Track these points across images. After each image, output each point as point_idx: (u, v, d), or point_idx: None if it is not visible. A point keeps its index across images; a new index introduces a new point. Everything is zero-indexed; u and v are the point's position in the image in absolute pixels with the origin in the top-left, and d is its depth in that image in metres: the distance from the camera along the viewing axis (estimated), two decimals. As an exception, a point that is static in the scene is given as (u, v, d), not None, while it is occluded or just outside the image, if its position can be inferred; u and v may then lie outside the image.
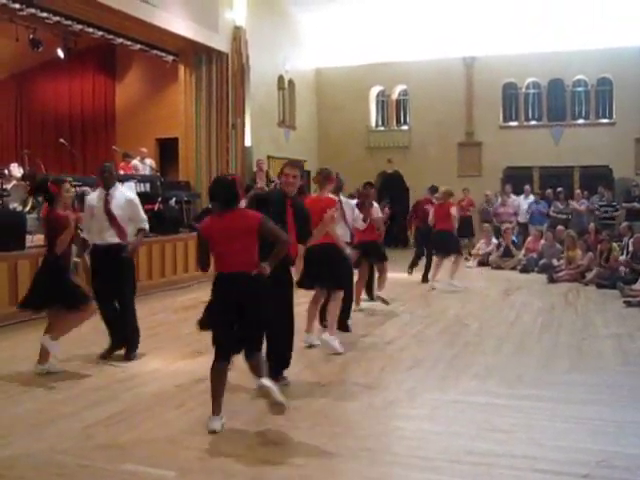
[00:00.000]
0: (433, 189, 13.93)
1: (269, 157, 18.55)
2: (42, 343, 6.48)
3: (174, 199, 14.23)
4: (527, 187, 18.97)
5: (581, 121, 20.51)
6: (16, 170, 14.37)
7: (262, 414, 5.14)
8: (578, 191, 18.06)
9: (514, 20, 19.29)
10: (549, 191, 18.43)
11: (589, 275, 12.99)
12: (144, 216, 7.39)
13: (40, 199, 12.46)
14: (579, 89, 20.55)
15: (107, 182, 7.17)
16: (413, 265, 13.61)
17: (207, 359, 5.76)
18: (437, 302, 10.99)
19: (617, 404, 5.58)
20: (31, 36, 16.73)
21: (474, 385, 6.14)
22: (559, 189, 18.14)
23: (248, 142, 17.47)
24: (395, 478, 4.19)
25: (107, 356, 7.03)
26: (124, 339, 7.13)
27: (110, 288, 7.03)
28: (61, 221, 6.48)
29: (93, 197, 7.31)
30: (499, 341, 8.05)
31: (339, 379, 6.44)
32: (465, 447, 4.59)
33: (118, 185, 7.36)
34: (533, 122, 21.06)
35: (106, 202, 7.08)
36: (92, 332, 7.35)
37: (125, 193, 7.44)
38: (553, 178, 20.02)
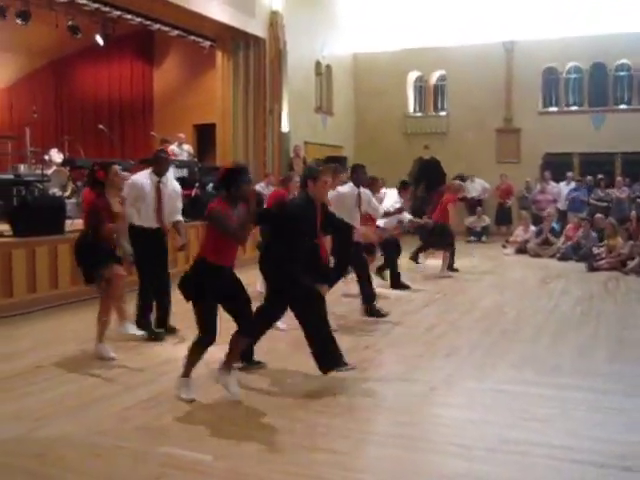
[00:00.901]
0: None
1: (306, 143, 18.51)
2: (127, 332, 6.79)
3: (211, 184, 14.29)
4: (569, 173, 18.67)
5: (623, 106, 20.10)
6: (56, 156, 14.54)
7: (297, 400, 5.17)
8: (619, 178, 17.73)
9: (555, 3, 18.99)
10: (589, 178, 18.15)
11: (630, 264, 12.77)
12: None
13: (79, 184, 12.67)
14: (622, 73, 20.12)
15: (162, 169, 7.31)
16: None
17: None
18: (474, 290, 10.90)
19: (658, 395, 5.50)
20: (70, 23, 16.89)
21: (511, 374, 6.09)
22: (600, 176, 17.85)
23: (285, 128, 17.46)
24: (431, 465, 4.17)
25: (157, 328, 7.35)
26: (167, 311, 7.44)
27: (157, 267, 7.32)
28: (104, 210, 6.48)
29: (145, 182, 7.27)
30: (537, 330, 7.96)
31: (375, 366, 6.43)
32: (501, 436, 4.56)
33: (169, 174, 7.51)
34: (573, 107, 20.69)
35: (158, 189, 7.21)
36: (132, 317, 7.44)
37: (175, 183, 7.62)
38: (593, 165, 19.66)
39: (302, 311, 5.82)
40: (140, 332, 7.06)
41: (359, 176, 8.77)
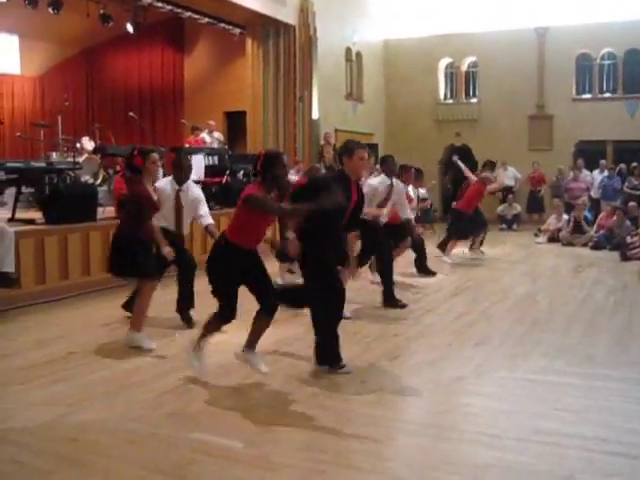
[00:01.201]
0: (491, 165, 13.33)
1: (336, 130, 18.46)
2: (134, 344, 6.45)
3: (242, 172, 14.32)
4: (603, 161, 18.45)
5: (658, 93, 19.77)
6: (87, 143, 14.69)
7: (326, 388, 5.17)
8: (654, 166, 17.43)
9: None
10: (623, 166, 17.88)
11: (665, 253, 12.59)
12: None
13: (111, 172, 12.77)
14: (657, 60, 19.79)
15: (181, 177, 7.32)
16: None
17: (274, 330, 5.83)
18: (505, 278, 10.80)
19: (694, 386, 5.41)
20: (101, 11, 17.04)
21: (543, 364, 6.02)
22: (634, 164, 17.58)
23: (315, 115, 17.43)
24: (462, 455, 4.15)
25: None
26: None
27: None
28: (143, 198, 6.32)
29: (166, 187, 7.25)
30: (569, 319, 7.88)
31: (404, 354, 6.41)
32: (533, 426, 4.51)
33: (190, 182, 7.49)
34: (607, 94, 20.39)
35: (178, 198, 7.24)
36: (163, 305, 7.49)
37: (195, 189, 7.56)
38: (628, 153, 19.36)
39: (320, 302, 5.74)
40: (151, 346, 6.39)
41: (389, 167, 8.70)
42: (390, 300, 8.35)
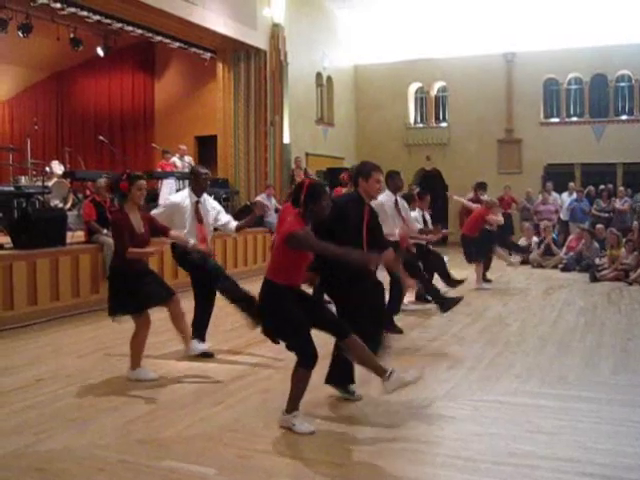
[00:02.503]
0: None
1: (307, 154, 18.53)
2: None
3: (213, 196, 14.25)
4: (571, 184, 18.72)
5: (624, 117, 20.16)
6: (57, 167, 14.56)
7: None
8: (622, 188, 17.70)
9: (555, 15, 19.05)
10: (591, 188, 18.16)
11: (633, 274, 12.73)
12: None
13: (80, 196, 12.66)
14: (622, 84, 20.19)
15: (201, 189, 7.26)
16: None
17: (245, 357, 5.78)
18: (477, 301, 10.84)
19: (665, 406, 5.44)
20: (72, 35, 16.97)
21: (516, 385, 6.03)
22: (601, 187, 17.85)
23: (286, 139, 17.48)
24: (437, 479, 4.12)
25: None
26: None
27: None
28: (120, 225, 6.07)
29: (184, 200, 7.18)
30: (541, 341, 7.91)
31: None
32: (507, 448, 4.50)
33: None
34: (574, 118, 20.75)
35: (197, 210, 7.15)
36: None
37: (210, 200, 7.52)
38: (595, 175, 19.70)
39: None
40: (150, 376, 6.22)
41: (395, 182, 8.40)
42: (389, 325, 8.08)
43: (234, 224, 7.32)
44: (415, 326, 8.84)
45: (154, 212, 6.97)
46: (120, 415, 5.19)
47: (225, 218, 7.40)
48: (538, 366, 6.70)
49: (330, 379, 5.63)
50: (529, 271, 14.96)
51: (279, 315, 4.82)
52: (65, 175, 13.90)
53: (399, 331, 8.28)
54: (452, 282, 10.57)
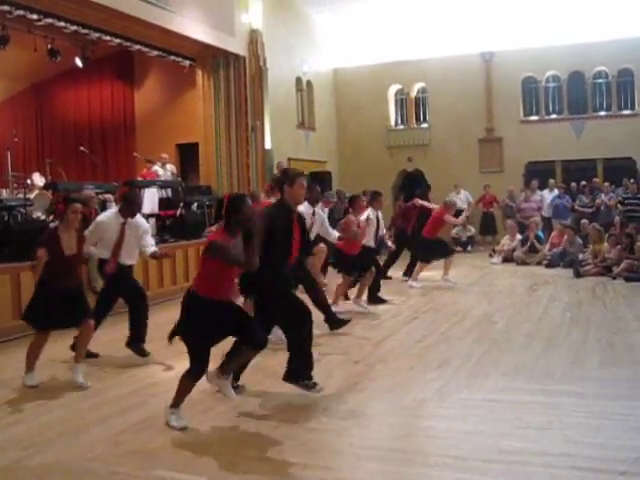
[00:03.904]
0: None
1: (290, 159, 18.51)
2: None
3: (196, 204, 14.26)
4: (552, 181, 18.85)
5: (603, 113, 20.26)
6: (38, 179, 14.44)
7: (288, 418, 5.12)
8: (607, 184, 17.77)
9: (532, 13, 19.12)
10: (573, 184, 18.29)
11: (616, 269, 12.81)
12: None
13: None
14: (600, 81, 20.31)
15: (128, 211, 7.37)
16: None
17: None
18: (463, 300, 10.89)
19: (651, 399, 5.48)
20: (49, 46, 16.84)
21: (504, 383, 6.06)
22: (583, 183, 17.97)
23: (268, 145, 17.45)
24: (428, 479, 4.13)
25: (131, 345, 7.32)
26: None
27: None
28: (44, 241, 6.43)
29: (111, 220, 7.37)
30: (527, 337, 7.96)
31: (366, 380, 6.38)
32: (498, 446, 4.52)
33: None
34: (554, 116, 20.85)
35: (122, 230, 7.32)
36: (120, 339, 7.40)
37: (141, 220, 7.69)
38: (576, 172, 19.80)
39: (289, 327, 5.80)
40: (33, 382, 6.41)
41: (312, 194, 8.58)
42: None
43: (151, 250, 7.45)
44: (401, 327, 8.85)
45: (86, 232, 7.11)
46: (109, 426, 5.17)
47: (146, 241, 7.51)
48: (525, 363, 6.74)
49: (289, 376, 5.76)
50: (513, 268, 15.03)
51: (191, 320, 5.02)
52: (47, 187, 13.79)
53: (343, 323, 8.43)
54: (375, 299, 10.50)
